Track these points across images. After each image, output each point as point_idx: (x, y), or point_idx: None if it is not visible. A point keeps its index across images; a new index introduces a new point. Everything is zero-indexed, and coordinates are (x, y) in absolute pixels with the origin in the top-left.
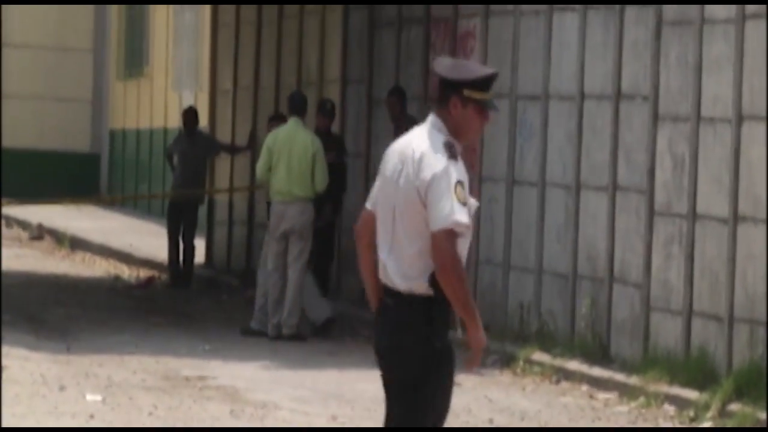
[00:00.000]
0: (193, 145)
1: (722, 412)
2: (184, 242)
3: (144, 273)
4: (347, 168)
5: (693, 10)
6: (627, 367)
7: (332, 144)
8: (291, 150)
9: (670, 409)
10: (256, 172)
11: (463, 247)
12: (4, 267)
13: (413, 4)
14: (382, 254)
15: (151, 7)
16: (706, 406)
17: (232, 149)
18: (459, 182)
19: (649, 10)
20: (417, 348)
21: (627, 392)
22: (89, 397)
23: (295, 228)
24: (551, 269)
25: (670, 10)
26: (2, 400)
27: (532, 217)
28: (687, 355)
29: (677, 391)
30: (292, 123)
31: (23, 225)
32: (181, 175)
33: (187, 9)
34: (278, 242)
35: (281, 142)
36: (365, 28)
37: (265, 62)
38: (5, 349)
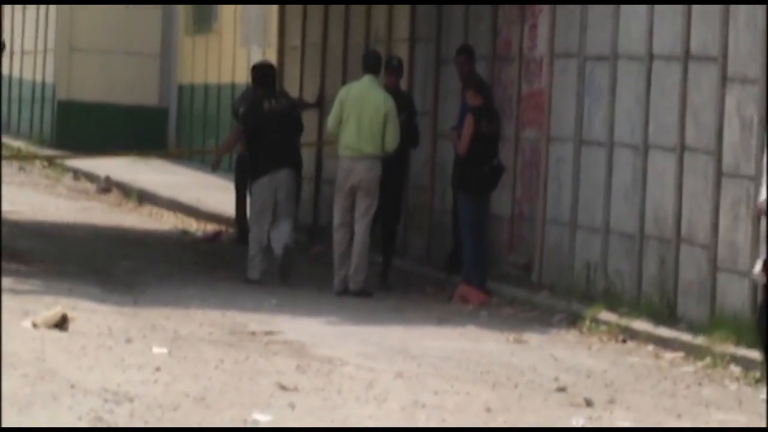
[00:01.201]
0: None
1: None
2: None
3: (211, 227)
4: (418, 126)
5: None
6: (693, 328)
7: (402, 103)
8: (362, 107)
9: (735, 369)
10: (327, 125)
11: None
12: (72, 219)
13: None
14: None
15: None
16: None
17: (301, 105)
18: None
19: None
20: None
21: (693, 352)
22: (155, 349)
23: (362, 184)
24: (618, 229)
25: None
26: (69, 353)
27: (600, 177)
28: (753, 316)
29: (743, 352)
30: (366, 80)
31: (91, 178)
32: None
33: None
34: (345, 198)
35: (353, 97)
36: None
37: (333, 19)
38: (73, 301)
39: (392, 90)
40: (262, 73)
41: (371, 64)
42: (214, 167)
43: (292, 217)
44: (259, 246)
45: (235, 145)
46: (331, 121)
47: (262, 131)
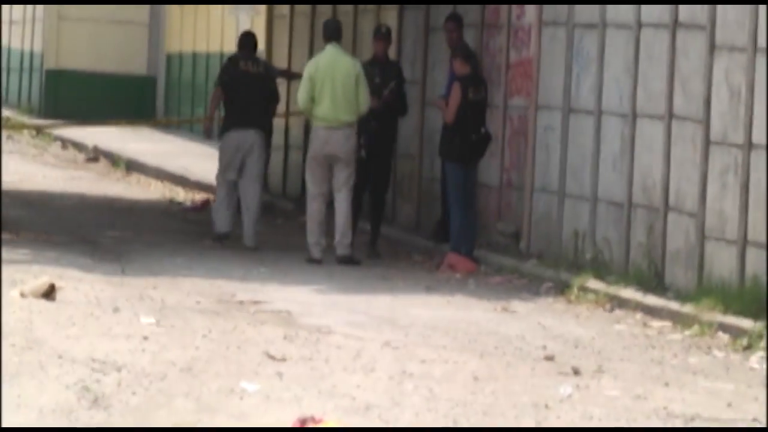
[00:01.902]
0: None
1: None
2: None
3: (199, 196)
4: (406, 95)
5: None
6: (681, 296)
7: (391, 71)
8: (334, 76)
9: (723, 337)
10: (298, 102)
11: None
12: (60, 188)
13: None
14: None
15: None
16: (760, 335)
17: (289, 75)
18: None
19: None
20: None
21: (681, 321)
22: (143, 319)
23: (340, 154)
24: (606, 197)
25: None
26: (57, 323)
27: (588, 145)
28: (741, 285)
29: (731, 320)
30: (331, 49)
31: (79, 147)
32: None
33: None
34: (321, 167)
35: (323, 70)
36: None
37: None
38: (60, 270)
39: (381, 58)
40: (243, 38)
41: (332, 32)
42: (207, 133)
43: (261, 181)
44: (224, 200)
45: (218, 105)
46: (303, 98)
47: (235, 88)
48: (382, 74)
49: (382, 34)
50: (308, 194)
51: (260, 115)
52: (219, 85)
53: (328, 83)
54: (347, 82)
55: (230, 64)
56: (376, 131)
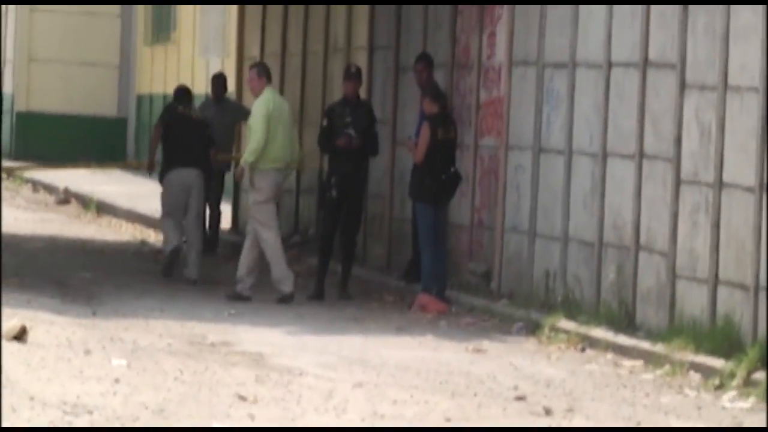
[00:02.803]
0: (221, 112)
1: (747, 381)
2: (210, 208)
3: None
4: (377, 135)
5: None
6: (652, 335)
7: (362, 111)
8: (282, 117)
9: (695, 377)
10: (255, 143)
11: None
12: (31, 231)
13: None
14: None
15: None
16: (732, 375)
17: None
18: None
19: None
20: None
21: (652, 360)
22: (115, 361)
23: (280, 193)
24: (577, 237)
25: None
26: (28, 365)
27: (559, 184)
28: (712, 324)
29: (702, 359)
30: (272, 91)
31: (50, 189)
32: None
33: None
34: (273, 205)
35: (277, 110)
36: None
37: (292, 29)
38: (31, 313)
39: (351, 98)
40: (179, 91)
41: (269, 75)
42: (149, 171)
43: (202, 218)
44: (171, 242)
45: (158, 143)
46: (261, 138)
47: (175, 130)
48: (353, 114)
49: (351, 74)
50: (272, 235)
51: (200, 157)
52: (159, 123)
53: (282, 123)
54: (291, 122)
55: (169, 108)
56: (348, 171)
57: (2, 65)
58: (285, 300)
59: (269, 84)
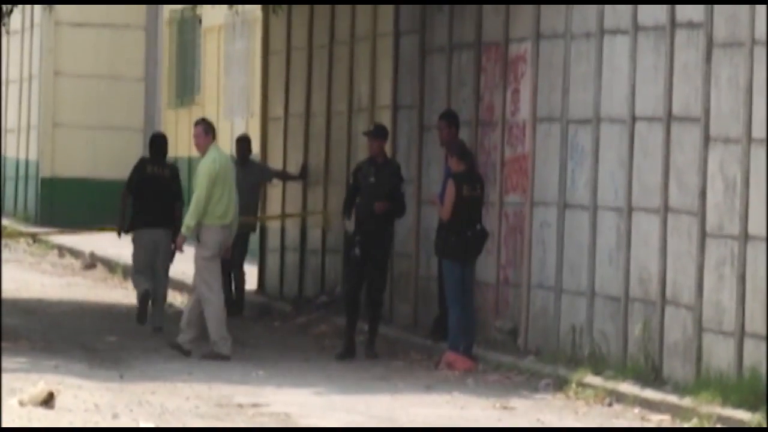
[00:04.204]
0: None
1: None
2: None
3: None
4: (404, 195)
5: (743, 31)
6: (679, 389)
7: (387, 171)
8: (228, 175)
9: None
10: (196, 204)
11: None
12: (58, 296)
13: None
14: None
15: (202, 34)
16: (759, 427)
17: (284, 176)
18: None
19: (699, 32)
20: None
21: (680, 414)
22: (143, 424)
23: (225, 250)
24: (603, 292)
25: (720, 32)
26: (53, 427)
27: (584, 240)
28: (739, 376)
29: (730, 412)
30: (217, 148)
31: (76, 254)
32: None
33: (238, 36)
34: (218, 263)
35: (222, 168)
36: (416, 54)
37: (316, 89)
38: (59, 377)
39: (377, 158)
40: (153, 142)
41: (215, 131)
42: (119, 233)
43: (167, 273)
44: (141, 286)
45: (127, 206)
46: (203, 199)
47: (144, 190)
48: (377, 174)
49: (373, 133)
50: (215, 295)
51: (167, 215)
52: (127, 190)
53: (228, 181)
54: (233, 181)
55: (138, 168)
56: (372, 230)
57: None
58: (216, 357)
59: (214, 141)
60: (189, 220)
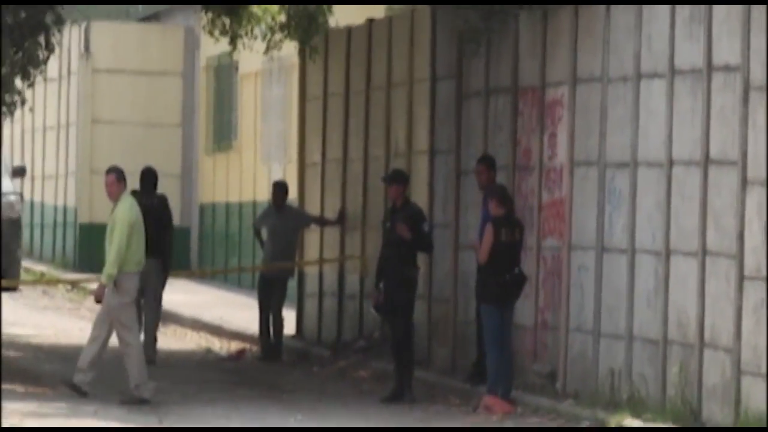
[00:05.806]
0: (283, 219)
1: None
2: (273, 315)
3: (235, 346)
4: (430, 233)
5: None
6: None
7: (402, 217)
8: (140, 219)
9: None
10: (116, 254)
11: None
12: None
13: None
14: None
15: (239, 80)
16: None
17: (322, 221)
18: None
19: (736, 75)
20: None
21: None
22: None
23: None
24: (642, 335)
25: (756, 75)
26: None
27: (622, 283)
28: None
29: None
30: (129, 195)
31: None
32: (271, 248)
33: (275, 82)
34: (135, 307)
35: (137, 215)
36: (453, 99)
37: (353, 134)
38: (98, 422)
39: (398, 202)
40: (144, 175)
41: (125, 178)
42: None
43: (159, 301)
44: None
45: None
46: (123, 248)
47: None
48: (393, 219)
49: (389, 178)
50: (134, 337)
51: (158, 245)
52: None
53: (142, 228)
54: (142, 227)
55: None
56: (394, 276)
57: (65, 178)
58: (137, 402)
59: (125, 188)
60: (110, 269)
